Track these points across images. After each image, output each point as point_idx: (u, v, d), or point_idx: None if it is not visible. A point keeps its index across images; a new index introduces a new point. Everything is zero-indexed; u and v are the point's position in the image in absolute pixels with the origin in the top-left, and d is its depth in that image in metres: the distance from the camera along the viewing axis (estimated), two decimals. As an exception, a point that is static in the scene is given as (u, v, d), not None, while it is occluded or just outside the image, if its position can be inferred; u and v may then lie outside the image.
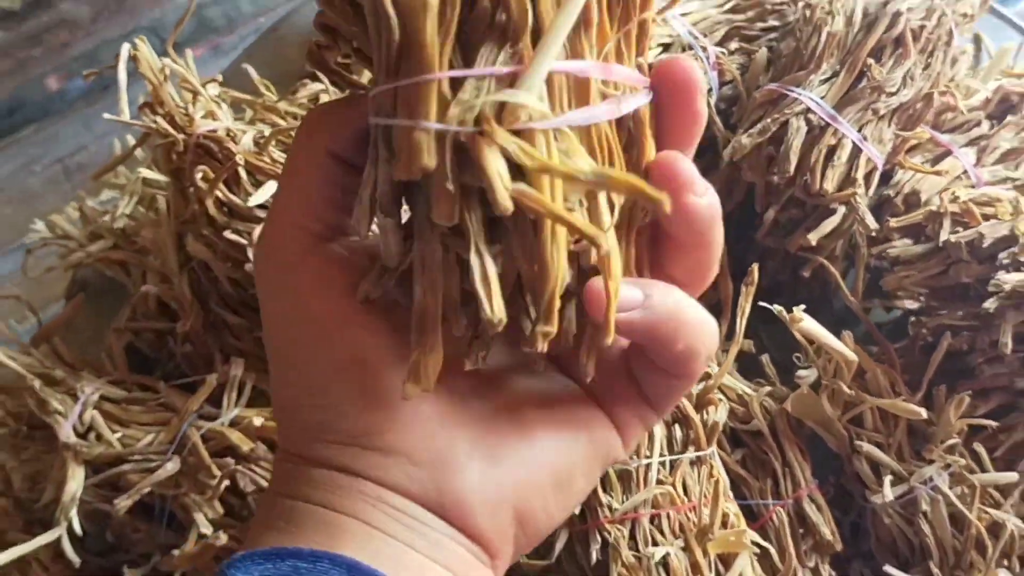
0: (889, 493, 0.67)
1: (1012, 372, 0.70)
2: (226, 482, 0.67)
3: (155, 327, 0.79)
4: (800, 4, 0.74)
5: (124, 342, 0.79)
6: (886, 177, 0.76)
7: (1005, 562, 0.68)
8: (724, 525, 0.61)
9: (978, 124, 0.78)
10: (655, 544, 0.58)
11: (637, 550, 0.58)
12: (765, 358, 0.74)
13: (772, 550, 0.66)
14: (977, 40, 0.92)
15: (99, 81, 0.76)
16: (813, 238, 0.70)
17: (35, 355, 0.75)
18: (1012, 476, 0.70)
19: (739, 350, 0.75)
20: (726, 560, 0.60)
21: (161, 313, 0.79)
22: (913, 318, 0.74)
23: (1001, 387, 0.71)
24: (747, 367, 0.76)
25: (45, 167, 1.12)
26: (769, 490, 0.69)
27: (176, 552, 0.67)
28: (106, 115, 0.71)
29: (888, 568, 0.68)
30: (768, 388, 0.72)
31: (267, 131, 0.73)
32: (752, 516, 0.68)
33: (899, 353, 0.74)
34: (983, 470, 0.70)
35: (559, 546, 0.62)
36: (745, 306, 0.65)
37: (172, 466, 0.68)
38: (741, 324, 0.65)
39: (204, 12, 1.18)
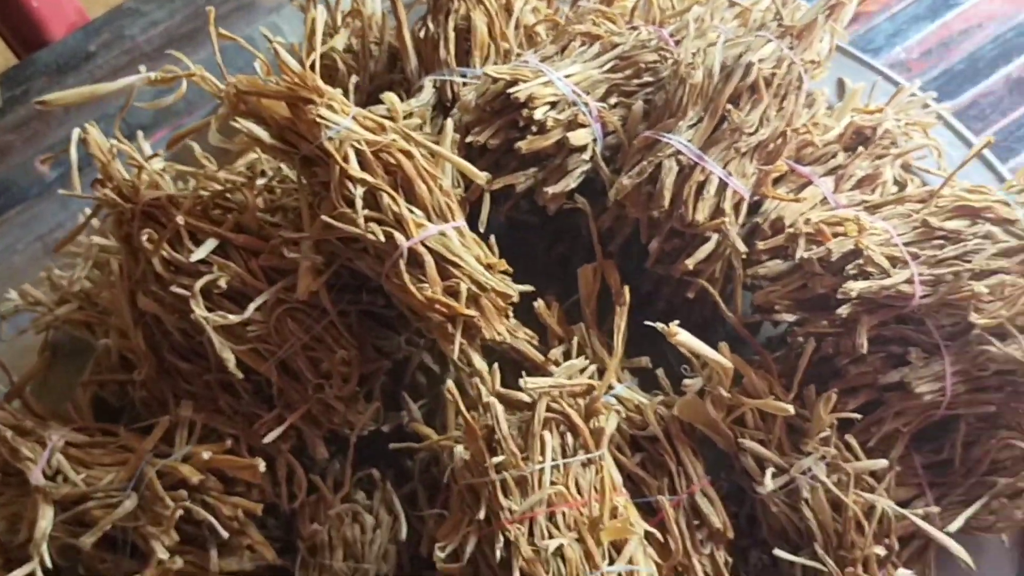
0: (771, 483, 0.71)
1: (875, 370, 0.74)
2: (180, 512, 0.70)
3: (117, 379, 0.82)
4: (669, 61, 0.79)
5: (90, 394, 0.82)
6: (756, 206, 0.80)
7: (886, 540, 0.72)
8: (614, 516, 0.64)
9: (835, 156, 0.83)
10: (551, 538, 0.61)
11: (536, 545, 0.61)
12: (660, 372, 0.78)
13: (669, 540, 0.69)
14: (840, 83, 0.98)
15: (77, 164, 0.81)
16: (691, 263, 0.75)
17: (7, 410, 0.78)
18: (882, 463, 0.73)
19: (638, 366, 0.79)
20: (618, 546, 0.63)
21: (122, 366, 0.82)
22: (789, 328, 0.78)
23: (867, 384, 0.75)
24: (647, 380, 0.79)
25: (27, 245, 1.15)
26: (666, 487, 0.72)
27: (139, 577, 0.70)
28: (61, 191, 0.75)
29: (779, 552, 0.72)
30: (662, 397, 0.76)
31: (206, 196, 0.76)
32: (652, 512, 0.71)
33: (779, 361, 0.78)
34: (857, 459, 0.74)
35: (469, 549, 0.64)
36: (620, 323, 0.69)
37: (130, 503, 0.71)
38: (618, 339, 0.69)
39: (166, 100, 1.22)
